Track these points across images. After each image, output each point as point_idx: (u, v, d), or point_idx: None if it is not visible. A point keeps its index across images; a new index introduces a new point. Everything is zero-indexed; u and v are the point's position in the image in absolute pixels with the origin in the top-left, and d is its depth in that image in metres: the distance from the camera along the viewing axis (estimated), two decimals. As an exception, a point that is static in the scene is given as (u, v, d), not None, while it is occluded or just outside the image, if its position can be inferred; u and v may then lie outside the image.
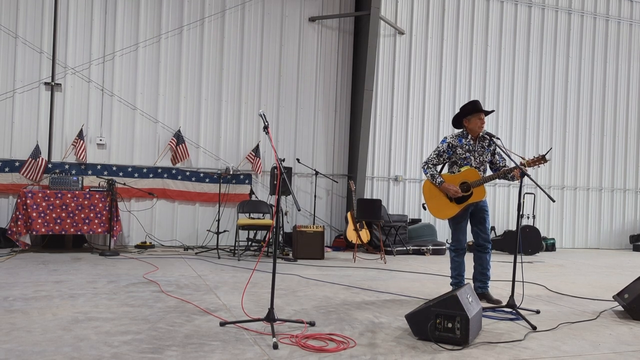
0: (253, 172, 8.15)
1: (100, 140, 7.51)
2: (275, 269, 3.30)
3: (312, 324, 3.41)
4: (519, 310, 3.79)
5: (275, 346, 2.87)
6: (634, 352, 3.09)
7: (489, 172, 4.55)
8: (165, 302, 3.94)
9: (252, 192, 8.07)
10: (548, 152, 4.51)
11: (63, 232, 6.58)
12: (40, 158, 7.06)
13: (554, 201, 3.86)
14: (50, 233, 6.57)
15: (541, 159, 4.03)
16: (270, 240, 7.19)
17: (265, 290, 4.56)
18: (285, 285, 4.87)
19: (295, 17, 8.53)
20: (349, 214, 7.80)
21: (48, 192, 6.54)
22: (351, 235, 7.63)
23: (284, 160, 8.23)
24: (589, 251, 9.78)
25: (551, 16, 10.06)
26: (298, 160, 8.40)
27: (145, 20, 7.75)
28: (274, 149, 3.47)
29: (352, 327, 3.41)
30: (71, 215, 6.58)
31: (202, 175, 7.93)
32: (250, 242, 7.37)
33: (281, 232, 7.54)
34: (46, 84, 7.28)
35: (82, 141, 7.30)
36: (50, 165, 7.22)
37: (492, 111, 4.68)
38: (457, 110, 4.57)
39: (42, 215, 6.46)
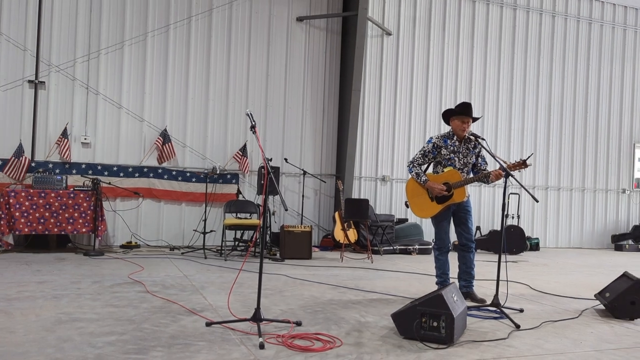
0: (240, 171, 8.12)
1: (85, 139, 7.42)
2: (262, 269, 3.30)
3: (298, 324, 3.41)
4: (503, 309, 3.83)
5: (262, 346, 2.87)
6: (615, 350, 3.14)
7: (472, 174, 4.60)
8: (150, 303, 3.91)
9: (239, 192, 8.04)
10: (529, 157, 4.56)
11: (46, 232, 6.49)
12: (24, 157, 6.96)
13: (537, 201, 3.91)
14: (34, 233, 6.48)
15: (522, 164, 4.05)
16: (258, 240, 7.17)
17: (252, 290, 4.55)
18: (272, 285, 4.87)
19: (283, 16, 8.52)
20: (336, 213, 7.82)
21: (31, 191, 6.45)
22: (339, 235, 7.65)
23: (271, 159, 8.21)
24: (572, 250, 9.92)
25: (535, 19, 10.19)
26: (286, 159, 8.40)
27: (131, 18, 7.68)
28: (260, 148, 3.47)
29: (339, 327, 3.43)
30: (55, 214, 6.50)
31: (188, 174, 7.88)
32: (237, 242, 7.35)
33: (268, 232, 7.53)
34: (30, 81, 7.17)
35: (66, 140, 7.21)
36: (33, 164, 7.11)
37: (480, 117, 4.72)
38: (444, 110, 4.62)
39: (25, 214, 6.36)
